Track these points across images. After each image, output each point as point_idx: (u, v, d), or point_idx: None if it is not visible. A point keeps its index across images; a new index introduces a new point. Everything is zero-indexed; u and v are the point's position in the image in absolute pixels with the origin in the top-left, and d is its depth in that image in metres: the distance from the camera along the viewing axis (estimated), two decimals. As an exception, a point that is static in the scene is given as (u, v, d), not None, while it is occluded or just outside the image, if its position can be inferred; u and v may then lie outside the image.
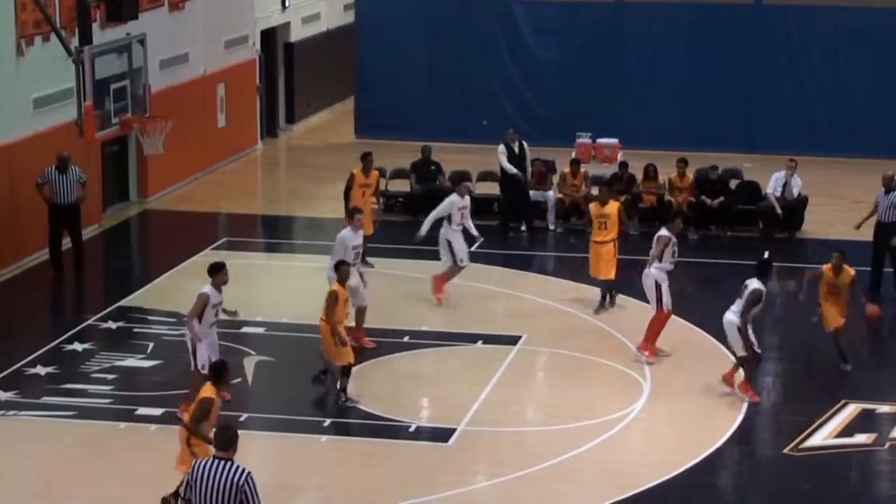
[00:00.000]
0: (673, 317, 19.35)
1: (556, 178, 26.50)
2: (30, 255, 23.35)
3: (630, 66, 31.58)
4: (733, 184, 26.48)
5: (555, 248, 25.35)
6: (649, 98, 31.32)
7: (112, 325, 20.66)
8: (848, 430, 17.09)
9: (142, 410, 17.41)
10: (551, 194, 26.05)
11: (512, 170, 25.46)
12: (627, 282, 21.17)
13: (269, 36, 33.16)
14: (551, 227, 25.77)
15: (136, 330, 20.40)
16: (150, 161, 26.50)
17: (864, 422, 17.33)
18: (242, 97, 31.27)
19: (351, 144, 31.76)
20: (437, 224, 21.59)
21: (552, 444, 16.59)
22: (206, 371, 16.65)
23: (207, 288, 16.75)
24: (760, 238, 25.16)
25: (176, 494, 13.95)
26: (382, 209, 26.19)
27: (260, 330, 20.21)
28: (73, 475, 15.86)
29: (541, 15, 31.96)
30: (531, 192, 25.76)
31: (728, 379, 18.07)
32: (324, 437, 16.91)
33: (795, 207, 25.55)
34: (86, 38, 21.74)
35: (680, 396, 18.16)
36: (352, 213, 19.73)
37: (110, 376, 18.59)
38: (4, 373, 18.55)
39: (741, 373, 17.99)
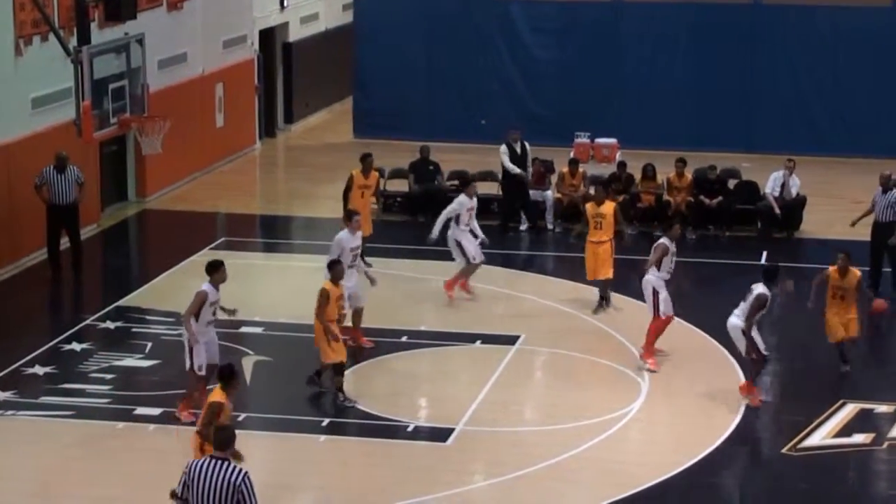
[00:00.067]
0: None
1: (554, 178, 26.51)
2: (28, 255, 23.34)
3: (629, 66, 31.55)
4: (732, 184, 26.46)
5: (554, 248, 25.33)
6: (648, 98, 31.29)
7: (110, 324, 20.64)
8: (846, 430, 17.07)
9: (140, 410, 17.40)
10: (550, 194, 26.05)
11: (515, 170, 25.46)
12: (624, 282, 21.17)
13: (267, 36, 33.13)
14: (549, 226, 25.79)
15: (134, 330, 20.39)
16: (148, 161, 26.49)
17: (862, 422, 17.30)
18: (241, 97, 31.25)
19: (349, 144, 31.75)
20: (445, 226, 21.55)
21: (551, 444, 16.57)
22: (202, 373, 16.68)
23: (206, 286, 16.73)
24: (759, 238, 25.15)
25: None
26: (381, 209, 26.16)
27: (258, 330, 20.19)
28: (72, 475, 15.84)
29: (539, 15, 31.94)
30: (530, 192, 25.77)
31: (745, 391, 17.87)
32: (322, 437, 16.89)
33: (794, 207, 25.54)
34: (84, 38, 21.72)
35: (678, 396, 18.15)
36: (349, 216, 19.68)
37: (108, 376, 18.57)
38: (3, 373, 18.53)
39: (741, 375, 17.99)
